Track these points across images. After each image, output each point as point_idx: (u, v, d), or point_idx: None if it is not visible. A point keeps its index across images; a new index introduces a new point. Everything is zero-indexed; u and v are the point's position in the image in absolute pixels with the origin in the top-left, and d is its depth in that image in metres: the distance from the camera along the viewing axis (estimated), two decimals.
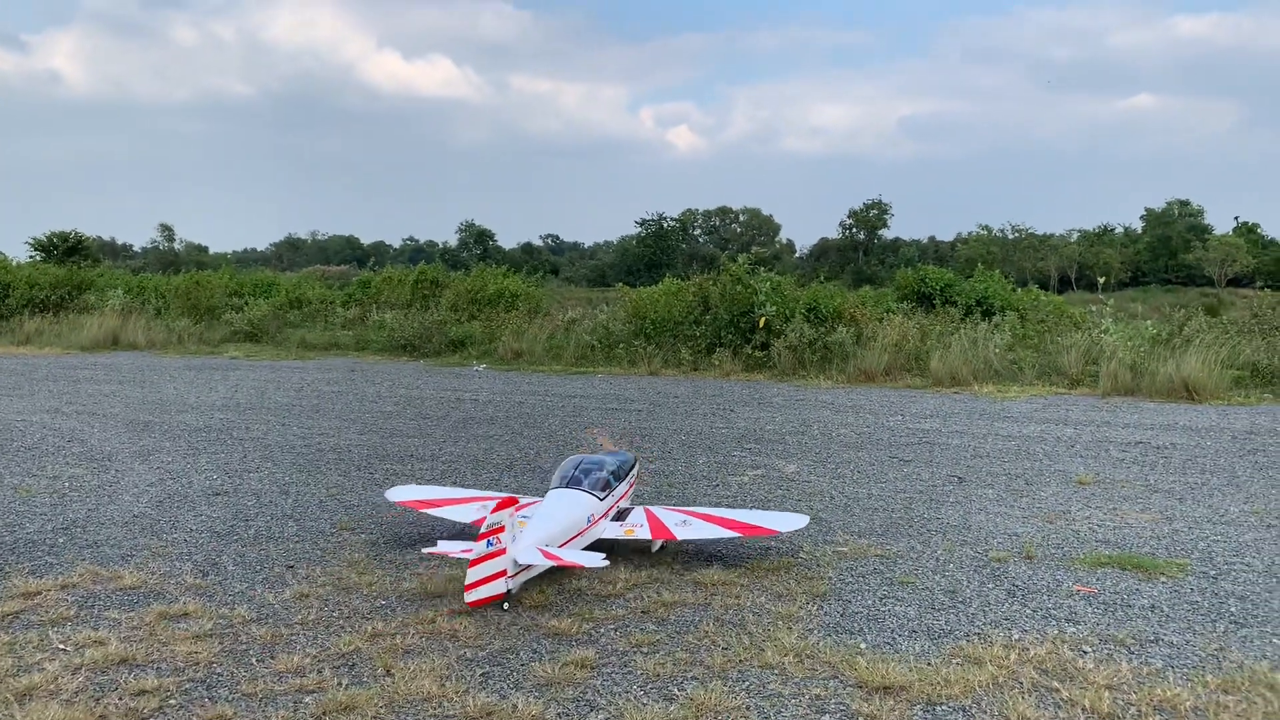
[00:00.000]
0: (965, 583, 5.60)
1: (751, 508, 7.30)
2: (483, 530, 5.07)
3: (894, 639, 4.75)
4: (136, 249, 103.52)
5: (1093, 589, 5.48)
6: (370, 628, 4.83)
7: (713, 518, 6.29)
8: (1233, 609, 5.17)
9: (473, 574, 5.00)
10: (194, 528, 6.76)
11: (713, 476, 8.49)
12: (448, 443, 10.22)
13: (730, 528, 6.08)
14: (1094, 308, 18.87)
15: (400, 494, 7.03)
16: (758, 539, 6.27)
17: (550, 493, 6.24)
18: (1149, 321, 18.19)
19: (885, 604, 5.23)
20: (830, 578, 5.65)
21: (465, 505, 6.66)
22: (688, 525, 6.14)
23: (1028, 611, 5.13)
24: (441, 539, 5.85)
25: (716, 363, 17.15)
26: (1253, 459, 9.26)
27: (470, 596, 4.98)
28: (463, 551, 5.22)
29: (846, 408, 12.79)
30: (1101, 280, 19.28)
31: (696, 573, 5.71)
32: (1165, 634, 4.81)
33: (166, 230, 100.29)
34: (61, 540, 6.39)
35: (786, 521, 6.25)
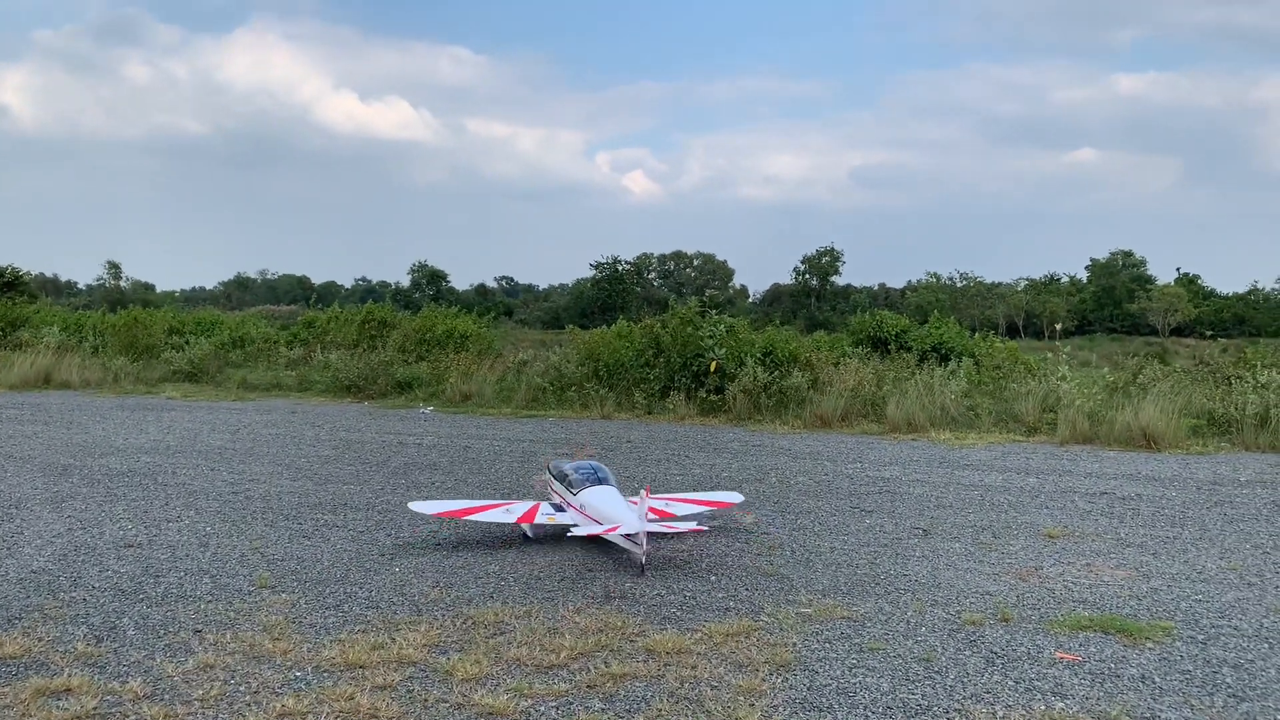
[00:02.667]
0: (940, 649, 5.16)
1: (706, 561, 6.86)
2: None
3: (867, 716, 4.29)
4: (81, 286, 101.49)
5: (1076, 656, 5.07)
6: (279, 705, 4.27)
7: (682, 500, 8.03)
8: (1228, 679, 4.78)
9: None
10: (97, 585, 6.15)
11: (685, 536, 8.00)
12: (385, 490, 9.65)
13: (700, 504, 8.02)
14: (1049, 355, 18.73)
15: (423, 506, 7.88)
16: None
17: (597, 490, 7.62)
18: (1104, 369, 18.09)
19: (855, 675, 4.77)
20: (794, 644, 5.18)
21: (494, 510, 7.69)
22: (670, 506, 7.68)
23: (1009, 683, 4.70)
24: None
25: (670, 406, 16.72)
26: (1221, 511, 8.98)
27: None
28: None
29: (804, 454, 12.40)
30: (1058, 327, 19.18)
31: (649, 638, 5.21)
32: (1161, 710, 4.40)
33: (113, 268, 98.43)
34: None
35: (730, 496, 8.52)
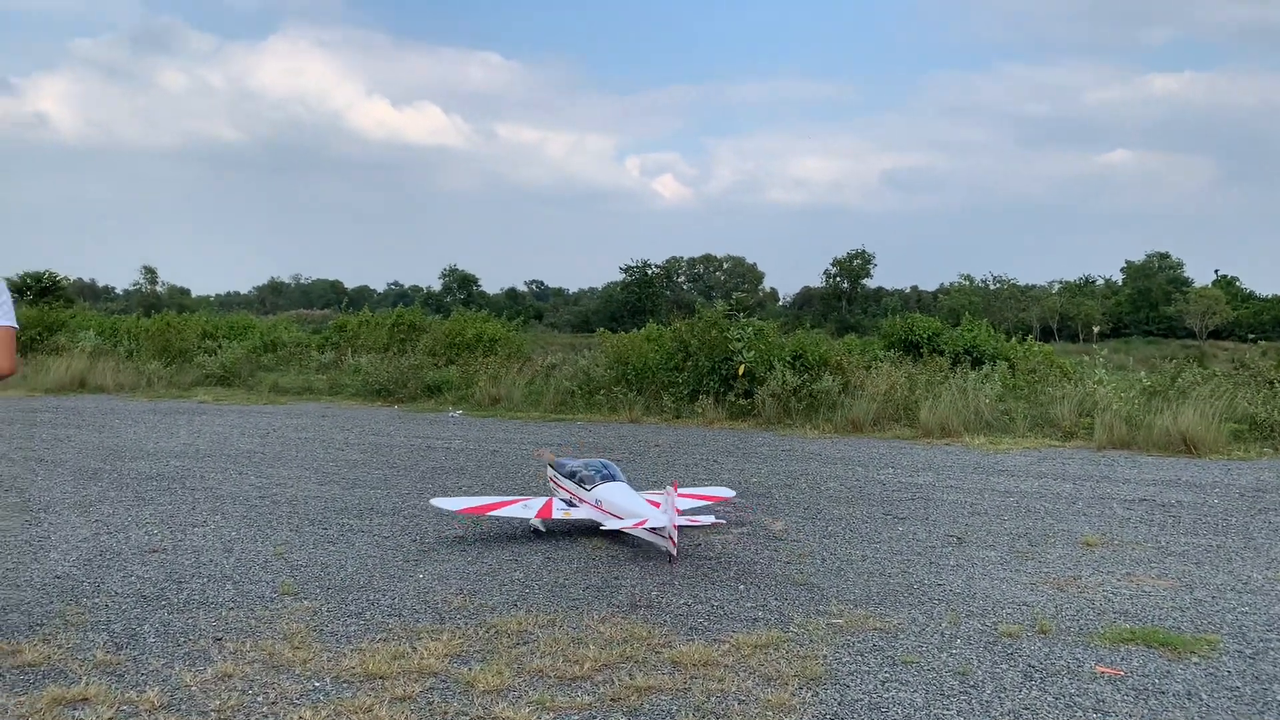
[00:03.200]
0: (975, 662, 5.00)
1: (734, 569, 6.74)
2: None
3: None
4: (118, 291, 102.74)
5: (1118, 670, 4.89)
6: (296, 717, 4.18)
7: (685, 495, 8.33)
8: (1279, 696, 4.58)
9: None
10: (119, 590, 6.10)
11: (694, 534, 7.88)
12: (412, 494, 9.57)
13: (695, 499, 8.38)
14: (1085, 358, 18.41)
15: (445, 503, 8.06)
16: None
17: (611, 486, 7.91)
18: (1141, 373, 17.74)
19: (888, 689, 4.62)
20: (825, 656, 5.04)
21: (513, 505, 7.91)
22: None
23: (1048, 698, 4.53)
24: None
25: (699, 410, 16.59)
26: (1266, 519, 8.73)
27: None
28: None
29: (835, 459, 12.22)
30: (1095, 330, 18.86)
31: (675, 650, 5.09)
32: None
33: (150, 273, 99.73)
34: None
35: (723, 491, 8.95)
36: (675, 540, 6.87)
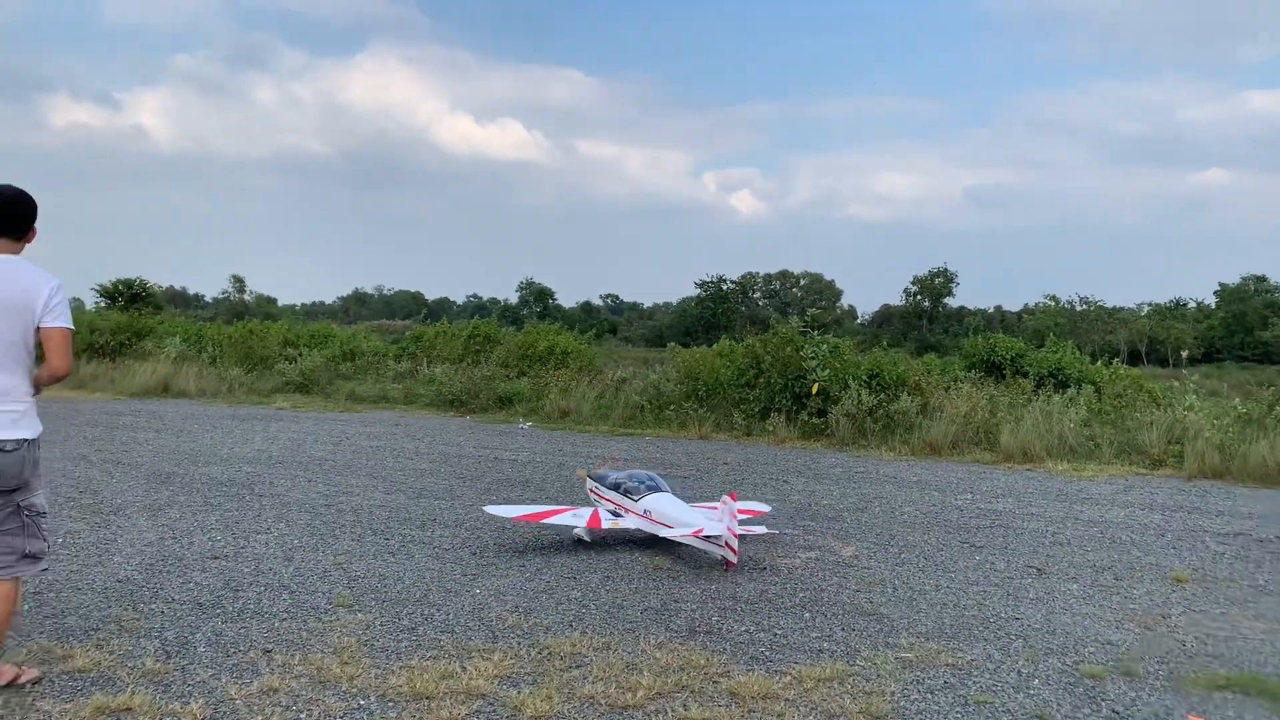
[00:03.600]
0: (1055, 705, 4.68)
1: (800, 596, 6.48)
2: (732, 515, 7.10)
3: None
4: (208, 299, 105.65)
5: None
6: None
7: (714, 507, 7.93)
8: None
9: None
10: (177, 597, 6.08)
11: (760, 557, 7.64)
12: (476, 506, 9.47)
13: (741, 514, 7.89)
14: (1175, 383, 17.67)
15: (499, 510, 8.17)
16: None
17: (660, 496, 8.08)
18: (1235, 399, 16.95)
19: None
20: (892, 693, 4.77)
21: (564, 513, 8.04)
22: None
23: None
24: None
25: (770, 428, 16.29)
26: None
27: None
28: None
29: (910, 483, 11.84)
30: (1184, 354, 18.11)
31: (733, 680, 4.86)
32: None
33: (238, 281, 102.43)
34: (27, 607, 5.72)
35: (758, 506, 8.74)
36: (735, 548, 7.02)
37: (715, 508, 7.86)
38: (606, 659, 5.11)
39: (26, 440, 4.43)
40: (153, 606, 5.85)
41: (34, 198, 4.56)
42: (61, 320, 4.47)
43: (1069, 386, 18.42)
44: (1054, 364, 20.51)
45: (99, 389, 24.44)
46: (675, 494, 8.33)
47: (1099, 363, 21.25)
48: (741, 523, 7.91)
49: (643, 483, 8.33)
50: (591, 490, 8.93)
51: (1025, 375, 19.64)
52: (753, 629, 5.75)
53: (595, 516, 7.99)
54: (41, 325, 4.43)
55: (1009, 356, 21.46)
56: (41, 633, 5.27)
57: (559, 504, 8.92)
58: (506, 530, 8.43)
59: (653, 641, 5.44)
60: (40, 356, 4.54)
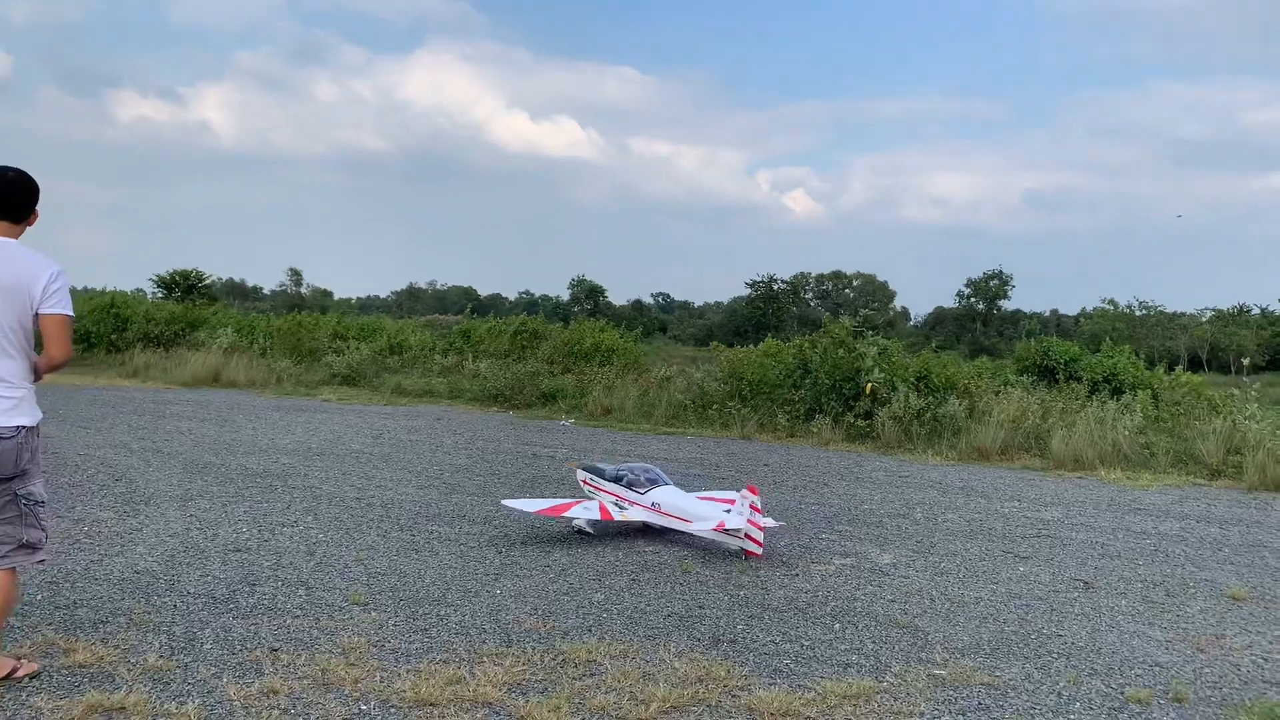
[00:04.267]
0: None
1: (831, 605, 6.22)
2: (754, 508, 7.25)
3: None
4: (265, 291, 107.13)
5: None
6: None
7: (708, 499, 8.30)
8: None
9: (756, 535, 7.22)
10: (192, 590, 5.98)
11: (793, 563, 7.39)
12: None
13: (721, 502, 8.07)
14: (1235, 391, 17.04)
15: (518, 504, 8.28)
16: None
17: (669, 489, 8.23)
18: None
19: None
20: (922, 713, 4.50)
21: (579, 504, 8.13)
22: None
23: None
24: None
25: (815, 430, 15.97)
26: None
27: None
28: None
29: (956, 489, 11.49)
30: (1245, 362, 17.46)
31: (753, 694, 4.63)
32: None
33: (295, 274, 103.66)
34: (41, 597, 5.66)
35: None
36: (759, 540, 7.22)
37: (713, 499, 8.29)
38: (623, 667, 4.90)
39: (24, 428, 4.33)
40: (166, 600, 5.75)
41: (35, 179, 4.45)
42: (61, 307, 4.36)
43: (1124, 393, 17.88)
44: (1109, 369, 19.96)
45: (151, 378, 24.75)
46: (676, 486, 8.55)
47: (1157, 368, 20.64)
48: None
49: (644, 475, 8.46)
50: (585, 482, 8.94)
51: (1079, 380, 19.13)
52: (779, 639, 5.51)
53: (604, 509, 8.09)
54: (41, 312, 4.32)
55: (1063, 360, 20.95)
56: (50, 624, 5.18)
57: (572, 497, 8.83)
58: (535, 527, 8.27)
59: (673, 650, 5.21)
60: (40, 345, 4.44)
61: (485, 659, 4.94)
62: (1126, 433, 14.45)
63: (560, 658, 5.01)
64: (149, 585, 6.04)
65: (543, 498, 9.32)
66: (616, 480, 8.52)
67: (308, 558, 6.96)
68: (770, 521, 7.70)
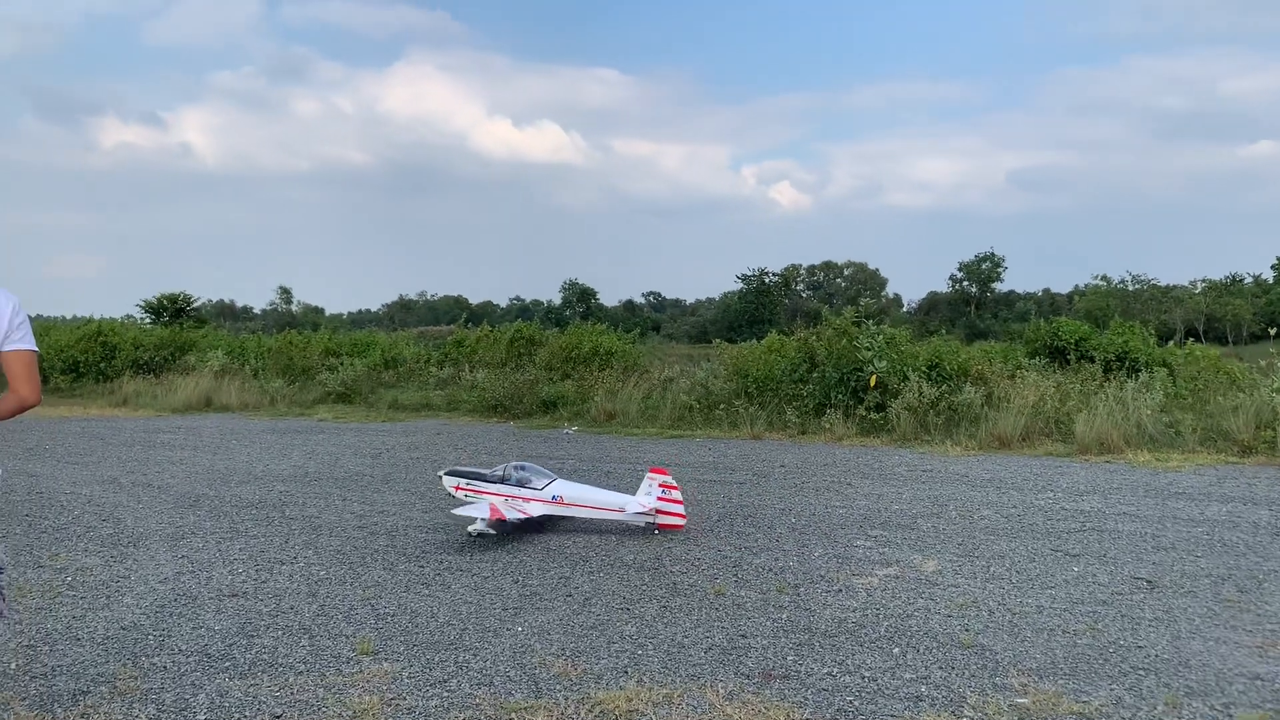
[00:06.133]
0: None
1: (885, 624, 5.69)
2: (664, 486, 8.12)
3: None
4: (256, 311, 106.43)
5: None
6: None
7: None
8: None
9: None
10: (184, 647, 5.43)
11: (832, 576, 6.86)
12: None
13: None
14: (1262, 362, 16.56)
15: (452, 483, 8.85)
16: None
17: (564, 482, 8.73)
18: None
19: None
20: None
21: (469, 507, 8.33)
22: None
23: None
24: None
25: (827, 425, 15.46)
26: None
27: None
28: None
29: (984, 481, 10.98)
30: (1275, 331, 16.95)
31: None
32: None
33: (285, 293, 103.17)
34: (15, 665, 5.09)
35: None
36: (679, 514, 8.15)
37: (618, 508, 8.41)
38: (669, 716, 4.37)
39: None
40: (155, 660, 5.19)
41: None
42: (25, 343, 3.84)
43: (1139, 370, 17.42)
44: (1120, 347, 19.51)
45: (142, 405, 24.20)
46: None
47: (1170, 344, 20.19)
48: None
49: (534, 472, 8.86)
50: (461, 488, 8.91)
51: (1092, 360, 18.66)
52: (835, 670, 4.97)
53: (495, 509, 8.11)
54: (3, 350, 3.80)
55: (1073, 341, 20.48)
56: (23, 699, 4.62)
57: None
58: (552, 552, 7.73)
59: (721, 691, 4.67)
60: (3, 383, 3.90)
61: (514, 714, 4.40)
62: (1149, 412, 13.97)
63: (597, 709, 4.46)
64: (136, 644, 5.48)
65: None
66: (503, 480, 8.72)
67: (310, 599, 6.41)
68: (679, 511, 8.21)
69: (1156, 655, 5.17)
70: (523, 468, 8.98)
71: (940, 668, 4.99)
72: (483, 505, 8.23)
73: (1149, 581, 6.67)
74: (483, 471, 9.06)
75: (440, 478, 9.31)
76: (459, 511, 8.27)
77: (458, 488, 8.95)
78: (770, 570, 7.00)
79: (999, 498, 9.92)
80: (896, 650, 5.27)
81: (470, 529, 8.09)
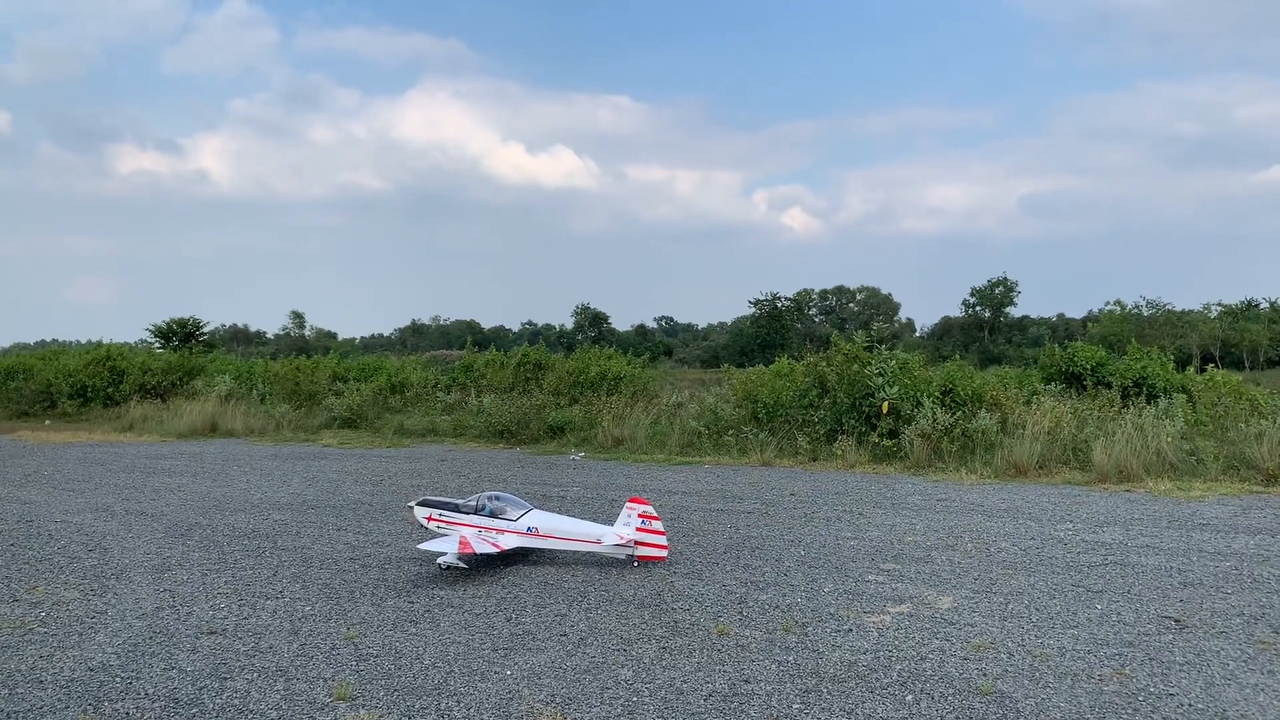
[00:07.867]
0: None
1: (898, 668, 5.34)
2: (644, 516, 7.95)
3: None
4: (269, 335, 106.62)
5: None
6: None
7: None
8: None
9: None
10: (152, 690, 5.12)
11: (842, 614, 6.51)
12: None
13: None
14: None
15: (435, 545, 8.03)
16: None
17: (541, 513, 8.58)
18: None
19: None
20: None
21: (444, 540, 8.14)
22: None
23: None
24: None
25: (839, 452, 15.10)
26: None
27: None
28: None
29: (1000, 511, 10.61)
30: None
31: None
32: None
33: (298, 317, 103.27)
34: None
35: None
36: (661, 544, 8.02)
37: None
38: None
39: None
40: (119, 705, 4.89)
41: None
42: None
43: (1158, 397, 17.00)
44: (1138, 373, 19.08)
45: (147, 430, 23.98)
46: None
47: (1189, 369, 19.77)
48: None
49: (510, 503, 8.64)
50: (433, 519, 8.76)
51: (1109, 386, 18.25)
52: (844, 718, 4.63)
53: (465, 542, 7.86)
54: None
55: (1089, 366, 20.06)
56: None
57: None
58: (549, 587, 7.41)
59: None
60: None
61: None
62: (1170, 439, 13.59)
63: None
64: (101, 687, 5.18)
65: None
66: (478, 511, 8.54)
67: (291, 638, 6.09)
68: (661, 540, 8.05)
69: (1189, 704, 4.81)
70: (497, 498, 8.78)
71: (958, 718, 4.63)
72: (453, 538, 7.99)
73: (1177, 620, 6.31)
74: (456, 501, 8.87)
75: (411, 509, 9.04)
76: (425, 546, 7.99)
77: (430, 519, 8.74)
78: (777, 607, 6.66)
79: (1016, 529, 9.56)
80: (910, 697, 4.93)
81: (440, 561, 7.83)
